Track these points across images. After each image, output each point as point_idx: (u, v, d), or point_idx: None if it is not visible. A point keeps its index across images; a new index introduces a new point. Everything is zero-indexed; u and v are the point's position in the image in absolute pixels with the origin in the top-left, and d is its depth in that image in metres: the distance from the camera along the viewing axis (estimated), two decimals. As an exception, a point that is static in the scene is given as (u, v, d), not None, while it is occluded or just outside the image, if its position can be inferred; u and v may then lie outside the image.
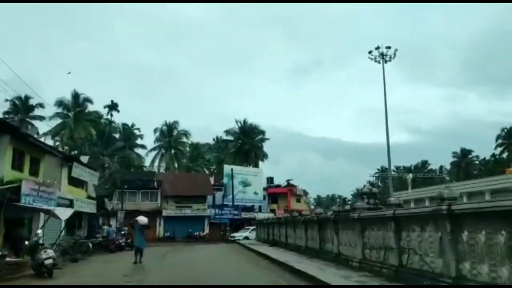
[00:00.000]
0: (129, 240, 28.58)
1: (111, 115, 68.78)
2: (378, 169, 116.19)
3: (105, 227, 30.38)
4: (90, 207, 27.05)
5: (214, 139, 77.48)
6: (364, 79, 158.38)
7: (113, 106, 69.13)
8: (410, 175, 58.14)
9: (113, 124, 62.28)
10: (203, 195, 48.16)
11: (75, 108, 56.12)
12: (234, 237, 40.80)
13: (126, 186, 41.30)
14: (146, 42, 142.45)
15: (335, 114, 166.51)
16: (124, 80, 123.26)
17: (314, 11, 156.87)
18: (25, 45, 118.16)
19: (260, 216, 53.69)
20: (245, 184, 53.68)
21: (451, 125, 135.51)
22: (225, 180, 52.30)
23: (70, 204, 23.06)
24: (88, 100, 57.20)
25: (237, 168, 52.78)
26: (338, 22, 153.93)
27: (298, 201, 68.44)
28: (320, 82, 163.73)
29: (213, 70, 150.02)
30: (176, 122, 60.40)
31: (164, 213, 45.15)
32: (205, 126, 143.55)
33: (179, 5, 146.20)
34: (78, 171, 24.57)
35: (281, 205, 63.98)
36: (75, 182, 25.81)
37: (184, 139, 60.95)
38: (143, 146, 62.99)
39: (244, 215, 50.15)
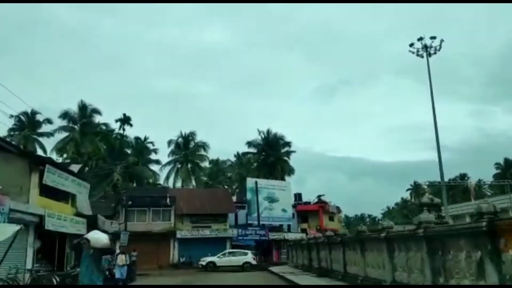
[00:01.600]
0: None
1: (123, 129, 63.60)
2: (411, 185, 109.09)
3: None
4: (76, 227, 20.83)
5: (235, 155, 71.01)
6: (386, 98, 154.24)
7: (125, 120, 63.99)
8: (472, 181, 49.49)
9: (124, 138, 56.77)
10: (223, 213, 41.55)
11: (81, 119, 50.90)
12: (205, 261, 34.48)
13: (130, 202, 35.05)
14: (169, 69, 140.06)
15: (358, 133, 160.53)
16: (147, 106, 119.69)
17: (336, 33, 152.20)
18: (49, 74, 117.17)
19: (291, 236, 46.70)
20: (272, 199, 46.85)
21: (477, 140, 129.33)
22: (248, 195, 45.62)
23: (40, 221, 16.90)
24: (96, 111, 52.08)
25: (262, 181, 46.06)
26: (359, 41, 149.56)
27: (331, 219, 61.09)
28: (340, 103, 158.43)
29: (235, 93, 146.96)
30: (193, 133, 54.48)
31: (179, 234, 38.63)
32: (225, 149, 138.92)
33: (201, 31, 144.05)
34: (54, 178, 18.47)
35: (311, 224, 56.73)
36: (54, 194, 19.69)
37: (202, 152, 54.73)
38: (157, 162, 57.05)
39: (272, 235, 43.25)
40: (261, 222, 42.70)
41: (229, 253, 35.22)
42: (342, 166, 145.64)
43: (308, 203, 60.42)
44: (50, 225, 17.53)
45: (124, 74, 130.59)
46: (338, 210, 62.62)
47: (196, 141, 54.34)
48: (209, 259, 34.71)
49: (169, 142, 53.40)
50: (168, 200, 39.08)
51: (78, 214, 22.91)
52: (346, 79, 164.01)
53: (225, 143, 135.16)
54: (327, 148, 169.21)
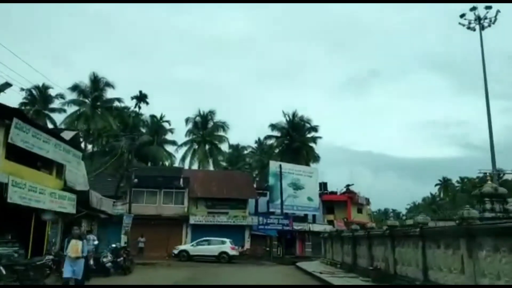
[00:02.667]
0: (120, 259, 17.90)
1: (139, 107, 59.65)
2: (440, 180, 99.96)
3: (91, 236, 19.60)
4: (59, 204, 16.61)
5: (256, 141, 66.12)
6: (411, 92, 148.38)
7: (141, 98, 60.03)
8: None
9: (139, 116, 52.77)
10: (243, 199, 37.13)
11: (93, 93, 47.05)
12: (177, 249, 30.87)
13: (136, 181, 30.84)
14: (195, 58, 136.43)
15: (381, 128, 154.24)
16: (168, 92, 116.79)
17: (365, 26, 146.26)
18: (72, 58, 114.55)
19: (316, 227, 41.95)
20: (297, 186, 42.17)
21: (506, 138, 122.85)
22: (271, 180, 41.09)
23: (0, 189, 12.73)
24: (109, 85, 48.01)
25: (286, 166, 41.32)
26: (387, 34, 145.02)
27: (359, 211, 56.11)
28: (363, 97, 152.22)
29: (259, 83, 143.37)
30: (212, 112, 49.91)
31: (192, 220, 34.45)
32: (246, 138, 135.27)
33: (227, 20, 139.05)
34: (25, 137, 14.19)
35: (338, 216, 51.93)
36: (30, 160, 15.47)
37: (221, 133, 50.14)
38: (174, 143, 52.76)
39: (296, 226, 38.63)
40: (284, 211, 38.13)
41: (204, 240, 30.76)
42: (364, 160, 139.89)
43: (334, 193, 55.55)
44: (17, 197, 13.30)
45: (148, 61, 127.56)
46: (367, 202, 57.47)
47: (215, 120, 49.86)
48: (182, 247, 31.07)
49: (187, 120, 49.09)
50: (181, 181, 34.86)
51: (68, 189, 18.69)
52: (372, 73, 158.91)
53: (246, 133, 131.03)
54: (349, 142, 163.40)
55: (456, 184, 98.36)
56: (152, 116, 53.62)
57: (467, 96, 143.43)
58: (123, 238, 31.22)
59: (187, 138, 49.87)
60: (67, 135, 20.34)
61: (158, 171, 39.43)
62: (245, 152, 65.58)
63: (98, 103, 47.66)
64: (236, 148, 63.28)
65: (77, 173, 21.26)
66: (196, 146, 49.23)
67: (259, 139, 64.96)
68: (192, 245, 31.08)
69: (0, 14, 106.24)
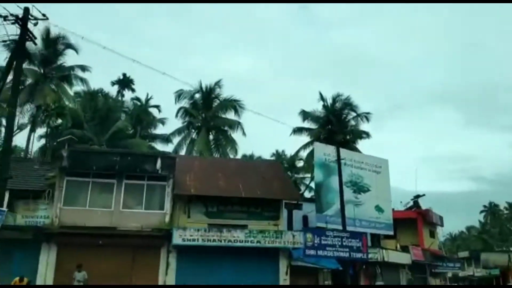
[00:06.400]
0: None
1: (122, 95, 44.09)
2: (485, 206, 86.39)
3: None
4: None
5: (273, 154, 49.53)
6: (419, 126, 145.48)
7: (125, 83, 44.63)
8: None
9: (115, 99, 37.19)
10: (275, 201, 20.33)
11: (43, 57, 31.55)
12: None
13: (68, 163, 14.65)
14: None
15: (390, 162, 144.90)
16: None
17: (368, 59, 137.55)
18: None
19: (393, 257, 25.03)
20: (358, 187, 25.62)
21: None
22: (317, 176, 24.67)
23: None
24: (71, 47, 32.28)
25: (342, 153, 24.41)
26: (391, 68, 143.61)
27: (432, 235, 38.81)
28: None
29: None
30: (218, 85, 33.54)
31: (178, 238, 17.54)
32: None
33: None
34: None
35: (402, 240, 34.27)
36: None
37: (232, 115, 33.60)
38: (167, 139, 36.17)
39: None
40: (332, 226, 21.36)
41: None
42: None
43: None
44: None
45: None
46: (441, 221, 40.03)
47: (222, 97, 33.29)
48: None
49: (178, 96, 32.31)
50: (158, 165, 18.30)
51: None
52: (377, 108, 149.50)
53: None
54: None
55: (505, 211, 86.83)
56: (135, 99, 37.82)
57: (477, 129, 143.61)
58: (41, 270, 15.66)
59: (180, 123, 33.02)
60: None
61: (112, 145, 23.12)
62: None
63: (50, 72, 32.06)
64: (250, 159, 46.54)
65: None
66: (195, 134, 32.68)
67: (276, 151, 48.50)
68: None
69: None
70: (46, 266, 16.87)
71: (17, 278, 14.78)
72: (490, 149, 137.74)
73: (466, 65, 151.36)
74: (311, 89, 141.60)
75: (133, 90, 43.82)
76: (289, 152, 46.12)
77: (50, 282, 16.70)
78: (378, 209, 26.08)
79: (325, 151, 24.66)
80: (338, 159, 21.97)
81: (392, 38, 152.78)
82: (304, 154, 38.33)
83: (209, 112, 32.97)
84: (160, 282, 17.55)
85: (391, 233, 27.26)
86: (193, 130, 32.85)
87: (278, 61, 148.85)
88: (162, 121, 38.40)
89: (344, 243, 19.21)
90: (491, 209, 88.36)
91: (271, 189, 20.86)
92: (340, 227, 21.05)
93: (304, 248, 18.48)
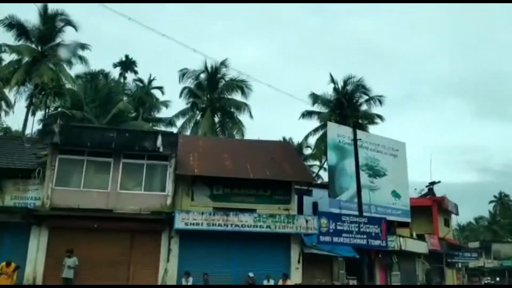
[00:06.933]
0: None
1: (124, 77, 42.44)
2: (495, 196, 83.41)
3: None
4: None
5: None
6: (429, 118, 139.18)
7: (127, 65, 42.99)
8: None
9: (117, 81, 35.56)
10: (286, 183, 18.69)
11: (40, 34, 29.99)
12: None
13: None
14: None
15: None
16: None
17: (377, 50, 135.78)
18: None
19: (411, 246, 23.42)
20: (374, 171, 23.97)
21: None
22: (331, 158, 23.03)
23: None
24: (69, 23, 30.65)
25: (358, 134, 22.58)
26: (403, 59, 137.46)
27: (447, 224, 37.17)
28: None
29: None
30: (224, 64, 31.68)
31: (181, 221, 16.00)
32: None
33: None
34: None
35: (416, 228, 32.51)
36: None
37: (239, 97, 31.86)
38: (170, 122, 34.57)
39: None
40: (350, 212, 19.72)
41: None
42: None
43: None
44: None
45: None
46: (456, 210, 38.26)
47: (228, 77, 31.46)
48: None
49: (183, 76, 30.62)
50: (159, 142, 16.72)
51: None
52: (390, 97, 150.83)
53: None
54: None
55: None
56: (138, 80, 36.16)
57: (486, 120, 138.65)
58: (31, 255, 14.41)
59: (184, 104, 31.20)
60: None
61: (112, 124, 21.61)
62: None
63: (48, 50, 30.51)
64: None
65: None
66: (199, 116, 31.02)
67: (284, 138, 46.51)
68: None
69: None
70: (37, 251, 15.44)
71: (3, 263, 13.58)
72: (500, 140, 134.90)
73: (476, 55, 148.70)
74: (321, 78, 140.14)
75: (135, 72, 42.22)
76: (296, 140, 44.43)
77: (40, 268, 15.29)
78: (395, 194, 24.43)
79: (339, 132, 23.02)
80: (355, 139, 20.26)
81: (404, 28, 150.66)
82: (312, 140, 36.69)
83: (215, 93, 31.26)
84: (161, 270, 16.05)
85: (408, 220, 25.57)
86: (197, 112, 31.19)
87: (289, 49, 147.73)
88: (166, 104, 36.84)
89: (361, 229, 17.59)
90: (501, 199, 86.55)
91: (281, 170, 19.24)
92: (355, 213, 19.49)
93: (318, 234, 16.89)
